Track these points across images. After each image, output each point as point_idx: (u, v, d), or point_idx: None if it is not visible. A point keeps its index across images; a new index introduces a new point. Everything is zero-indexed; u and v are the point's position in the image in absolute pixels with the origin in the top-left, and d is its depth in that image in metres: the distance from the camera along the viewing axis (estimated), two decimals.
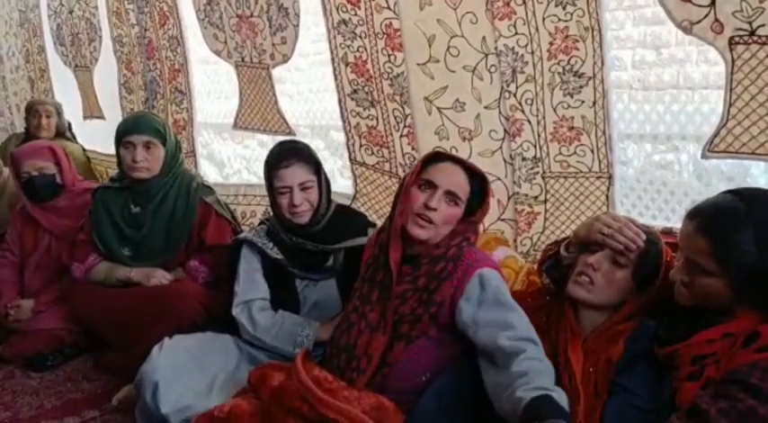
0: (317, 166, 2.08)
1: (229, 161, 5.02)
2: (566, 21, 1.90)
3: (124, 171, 2.47)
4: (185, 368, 1.87)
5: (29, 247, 2.79)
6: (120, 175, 2.54)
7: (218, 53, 2.97)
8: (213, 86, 4.30)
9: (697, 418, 1.20)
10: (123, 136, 2.43)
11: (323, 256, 2.07)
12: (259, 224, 2.26)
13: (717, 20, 1.61)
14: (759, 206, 1.30)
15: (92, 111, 3.96)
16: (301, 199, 2.01)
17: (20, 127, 4.21)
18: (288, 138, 2.63)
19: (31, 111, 3.69)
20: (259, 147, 4.58)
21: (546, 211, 2.16)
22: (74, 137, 3.91)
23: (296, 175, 2.01)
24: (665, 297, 1.48)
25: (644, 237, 1.53)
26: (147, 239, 2.48)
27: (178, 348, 1.92)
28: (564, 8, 1.89)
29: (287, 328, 1.98)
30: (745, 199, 1.32)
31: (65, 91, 4.16)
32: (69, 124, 3.92)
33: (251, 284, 2.07)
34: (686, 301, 1.40)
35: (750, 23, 1.56)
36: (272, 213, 2.15)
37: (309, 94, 4.45)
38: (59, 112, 3.77)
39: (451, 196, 1.64)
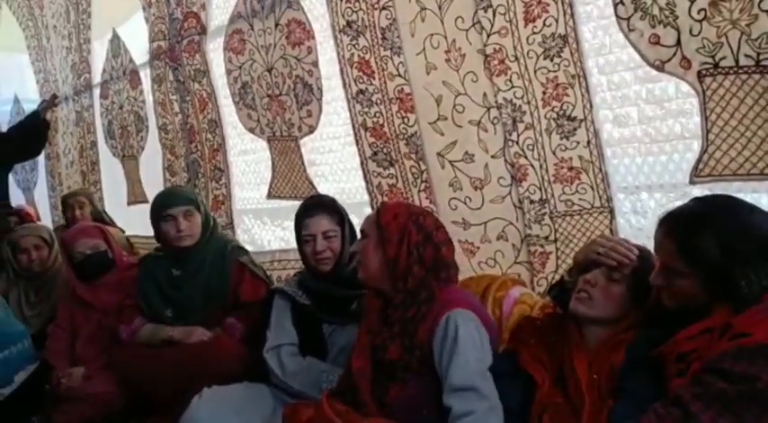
0: (340, 218, 2.25)
1: (269, 244, 5.22)
2: (554, 71, 2.07)
3: (167, 243, 2.62)
4: (223, 415, 1.97)
5: (79, 322, 2.87)
6: (162, 247, 2.70)
7: (251, 131, 3.23)
8: (253, 176, 4.57)
9: (676, 404, 1.28)
10: (162, 210, 2.58)
11: (347, 301, 2.18)
12: (293, 276, 2.40)
13: (684, 57, 1.77)
14: (719, 209, 1.42)
15: (135, 196, 4.23)
16: (324, 246, 2.16)
17: None
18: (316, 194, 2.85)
19: (66, 204, 3.85)
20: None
21: (557, 249, 2.25)
22: (112, 221, 4.06)
23: (320, 223, 2.18)
24: (660, 306, 1.57)
25: (636, 252, 1.64)
26: (188, 300, 2.60)
27: (216, 397, 2.04)
28: (551, 60, 2.07)
29: (313, 374, 2.07)
30: (707, 203, 1.46)
31: (111, 179, 4.45)
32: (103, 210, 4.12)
33: (281, 330, 2.19)
34: (667, 302, 1.49)
35: (713, 57, 1.72)
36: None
37: (342, 175, 4.67)
38: (91, 201, 3.92)
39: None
